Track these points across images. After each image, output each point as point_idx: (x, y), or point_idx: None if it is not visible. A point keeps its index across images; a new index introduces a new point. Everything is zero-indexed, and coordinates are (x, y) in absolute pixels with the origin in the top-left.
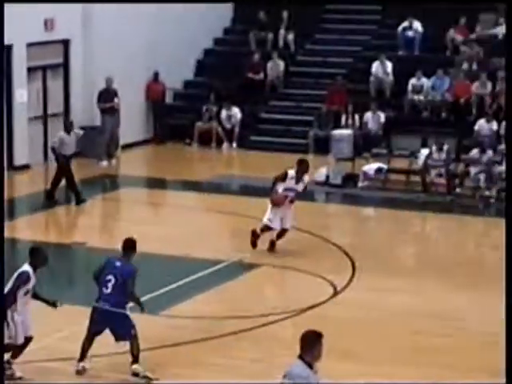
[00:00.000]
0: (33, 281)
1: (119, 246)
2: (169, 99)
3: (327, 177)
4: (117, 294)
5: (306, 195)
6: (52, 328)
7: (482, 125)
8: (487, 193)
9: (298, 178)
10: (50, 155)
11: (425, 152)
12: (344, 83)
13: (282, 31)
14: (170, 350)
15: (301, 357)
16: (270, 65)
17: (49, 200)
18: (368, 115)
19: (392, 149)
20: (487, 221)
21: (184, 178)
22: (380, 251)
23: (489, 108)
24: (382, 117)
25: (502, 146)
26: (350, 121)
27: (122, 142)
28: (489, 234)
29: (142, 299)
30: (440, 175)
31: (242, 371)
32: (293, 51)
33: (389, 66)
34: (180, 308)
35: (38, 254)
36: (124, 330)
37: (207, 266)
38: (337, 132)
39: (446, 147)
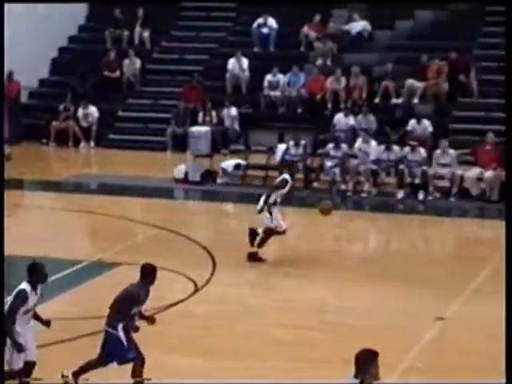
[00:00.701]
0: (32, 299)
1: None
2: (24, 98)
3: (186, 174)
4: (111, 313)
5: (166, 192)
6: None
7: (339, 119)
8: (343, 186)
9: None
10: None
11: (282, 147)
12: (200, 80)
13: (137, 29)
14: None
15: (356, 376)
16: (126, 62)
17: None
18: (225, 112)
19: (250, 145)
20: (343, 214)
21: (41, 178)
22: (240, 246)
23: (344, 103)
24: (234, 111)
25: (359, 140)
26: (207, 117)
27: None
28: (345, 227)
29: None
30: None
31: (106, 371)
32: (149, 49)
33: (245, 62)
34: (40, 309)
35: (37, 269)
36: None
37: (66, 266)
38: (194, 129)
39: (302, 142)
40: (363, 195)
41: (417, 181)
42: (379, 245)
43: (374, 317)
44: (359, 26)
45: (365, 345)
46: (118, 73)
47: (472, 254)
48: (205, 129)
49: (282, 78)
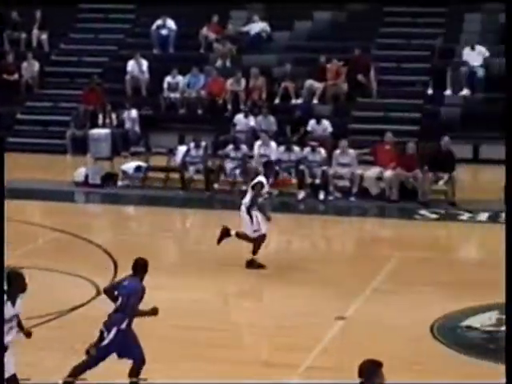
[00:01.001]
0: (9, 311)
1: None
2: None
3: (86, 177)
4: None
5: (67, 195)
6: None
7: (239, 120)
8: (244, 187)
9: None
10: None
11: (182, 149)
12: (100, 82)
13: (35, 31)
14: None
15: None
16: (24, 65)
17: None
18: (125, 114)
19: (150, 147)
20: None
21: None
22: (142, 249)
23: (244, 104)
24: (134, 113)
25: (258, 143)
26: (107, 120)
27: None
28: None
29: None
30: (198, 171)
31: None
32: (47, 51)
33: (144, 64)
34: None
35: (16, 279)
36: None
37: None
38: (95, 131)
39: (203, 144)
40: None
41: (317, 181)
42: (280, 245)
43: (275, 317)
44: (258, 27)
45: (267, 344)
46: (16, 75)
47: (372, 253)
48: (105, 131)
49: (181, 79)
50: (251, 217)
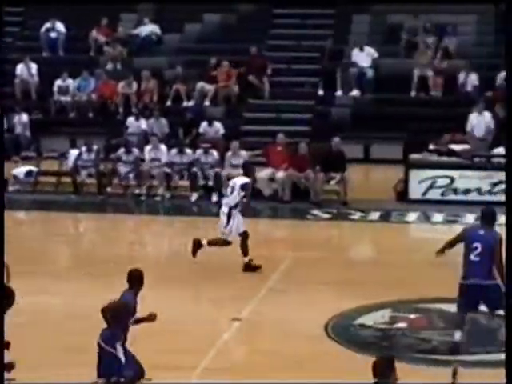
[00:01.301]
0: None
1: None
2: None
3: None
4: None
5: None
6: None
7: (131, 122)
8: (137, 191)
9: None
10: None
11: (74, 153)
12: None
13: None
14: None
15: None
16: None
17: None
18: (16, 118)
19: (41, 151)
20: (138, 218)
21: None
22: (34, 254)
23: (135, 107)
24: (24, 117)
25: (149, 147)
26: None
27: None
28: (140, 231)
29: None
30: (90, 175)
31: None
32: None
33: (34, 67)
34: None
35: (9, 296)
36: None
37: None
38: None
39: (95, 147)
40: (157, 199)
41: (210, 183)
42: (174, 248)
43: (171, 320)
44: (148, 29)
45: (163, 347)
46: None
47: (266, 253)
48: None
49: (71, 82)
50: (229, 219)
